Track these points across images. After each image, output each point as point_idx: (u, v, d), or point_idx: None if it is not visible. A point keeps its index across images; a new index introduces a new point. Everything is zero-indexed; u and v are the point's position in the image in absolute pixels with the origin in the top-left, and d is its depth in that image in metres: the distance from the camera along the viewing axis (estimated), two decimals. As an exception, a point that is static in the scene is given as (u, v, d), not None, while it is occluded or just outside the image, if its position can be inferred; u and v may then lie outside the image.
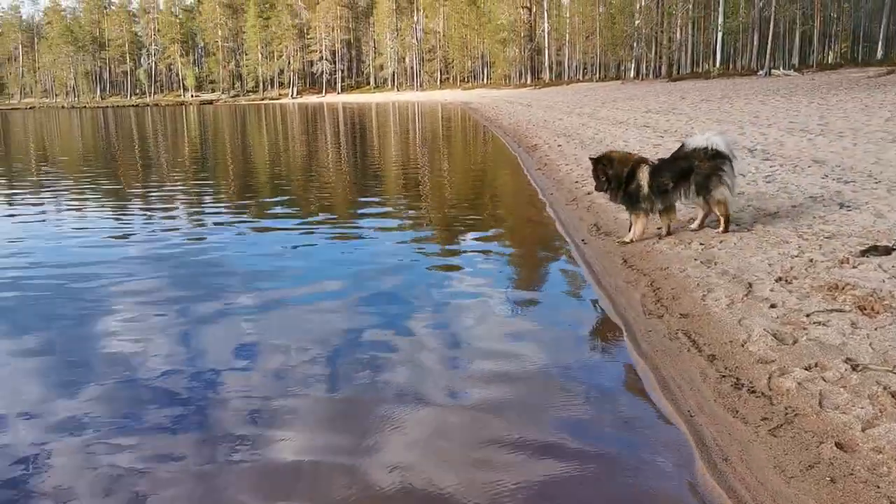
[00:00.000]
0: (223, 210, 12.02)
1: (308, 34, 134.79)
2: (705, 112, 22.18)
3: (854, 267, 5.60)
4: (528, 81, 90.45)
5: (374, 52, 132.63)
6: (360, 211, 11.70)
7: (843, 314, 4.71)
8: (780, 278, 5.59)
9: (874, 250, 5.89)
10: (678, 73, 67.80)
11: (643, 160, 7.30)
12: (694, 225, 7.61)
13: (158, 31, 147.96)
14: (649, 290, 6.03)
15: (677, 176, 7.22)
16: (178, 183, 15.83)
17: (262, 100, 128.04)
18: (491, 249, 8.37)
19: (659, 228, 7.59)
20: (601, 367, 4.88)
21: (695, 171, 7.19)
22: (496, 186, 14.43)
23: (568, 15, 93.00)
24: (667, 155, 7.62)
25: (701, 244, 6.95)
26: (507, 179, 15.22)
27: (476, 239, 9.03)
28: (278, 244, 8.88)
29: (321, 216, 10.95)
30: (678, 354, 4.69)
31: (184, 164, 21.18)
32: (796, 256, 6.07)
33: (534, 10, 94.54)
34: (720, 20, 56.91)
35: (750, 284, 5.57)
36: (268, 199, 13.40)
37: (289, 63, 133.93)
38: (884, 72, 32.88)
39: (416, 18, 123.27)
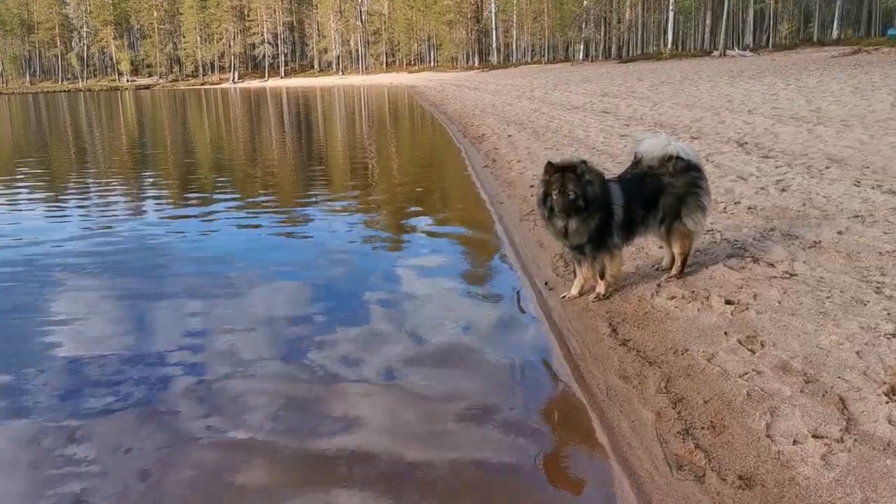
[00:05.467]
0: (166, 201, 11.32)
1: (249, 16, 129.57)
2: (669, 96, 20.01)
3: None
4: (476, 64, 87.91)
5: (318, 35, 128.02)
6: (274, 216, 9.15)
7: None
8: (891, 389, 3.28)
9: None
10: (628, 54, 66.24)
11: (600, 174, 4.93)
12: (674, 270, 5.28)
13: (90, 13, 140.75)
14: (666, 401, 3.63)
15: (648, 198, 4.99)
16: (117, 174, 14.91)
17: (202, 84, 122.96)
18: (412, 306, 5.76)
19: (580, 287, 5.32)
20: None
21: (665, 189, 4.96)
22: (435, 192, 11.77)
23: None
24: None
25: (726, 301, 4.60)
26: (449, 182, 12.71)
27: (394, 280, 6.54)
28: (224, 234, 8.62)
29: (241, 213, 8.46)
30: None
31: (121, 154, 19.33)
32: (893, 335, 3.78)
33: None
34: (672, -1, 55.15)
35: (842, 401, 3.26)
36: (212, 193, 12.19)
37: (229, 46, 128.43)
38: (848, 51, 31.27)
39: (360, 0, 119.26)
